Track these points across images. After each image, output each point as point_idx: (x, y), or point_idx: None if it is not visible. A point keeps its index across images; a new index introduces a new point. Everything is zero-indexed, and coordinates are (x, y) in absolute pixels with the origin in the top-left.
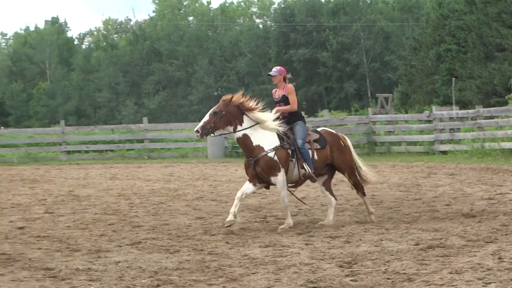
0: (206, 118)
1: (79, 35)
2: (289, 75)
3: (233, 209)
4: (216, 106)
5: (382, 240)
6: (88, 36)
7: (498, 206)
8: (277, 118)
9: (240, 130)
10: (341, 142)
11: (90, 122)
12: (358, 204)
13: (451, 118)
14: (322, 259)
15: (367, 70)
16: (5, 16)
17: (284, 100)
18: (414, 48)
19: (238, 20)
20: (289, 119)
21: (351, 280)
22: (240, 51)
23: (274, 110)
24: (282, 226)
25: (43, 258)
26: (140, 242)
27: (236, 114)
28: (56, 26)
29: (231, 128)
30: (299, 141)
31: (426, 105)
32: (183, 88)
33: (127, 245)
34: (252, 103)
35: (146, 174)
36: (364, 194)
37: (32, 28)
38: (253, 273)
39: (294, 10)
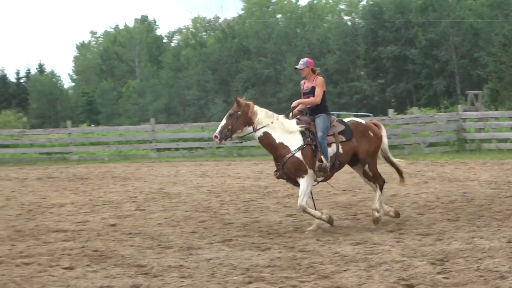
0: (223, 122)
1: (168, 33)
2: (318, 70)
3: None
4: (232, 109)
5: (473, 237)
6: (177, 34)
7: None
8: (299, 112)
9: (260, 129)
10: (370, 132)
11: (179, 119)
12: (449, 202)
13: None
14: (413, 257)
15: (456, 67)
16: (95, 15)
17: (313, 92)
18: (504, 44)
19: (327, 17)
20: (313, 111)
21: (443, 277)
22: (329, 48)
23: (294, 102)
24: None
25: (135, 255)
26: (231, 239)
27: (252, 114)
28: (145, 25)
29: (250, 128)
30: (319, 134)
31: None
32: (272, 85)
33: (218, 242)
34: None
35: (236, 171)
36: (380, 189)
37: (121, 27)
38: (344, 271)
39: (382, 7)
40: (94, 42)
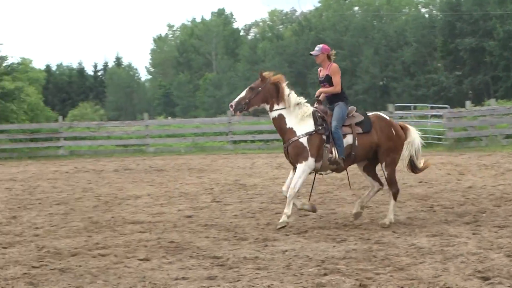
0: (243, 94)
1: (245, 26)
2: (333, 52)
3: (287, 210)
4: (254, 82)
5: None
6: (254, 27)
7: None
8: (318, 101)
9: (277, 110)
10: (392, 129)
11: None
12: None
13: None
14: (490, 249)
15: None
16: (172, 8)
17: (328, 80)
18: None
19: (404, 10)
20: (331, 100)
21: None
22: (406, 41)
23: (317, 92)
24: (280, 220)
25: (210, 246)
26: (306, 231)
27: (273, 93)
28: (222, 17)
29: (267, 106)
30: (334, 123)
31: None
32: (348, 78)
33: (294, 234)
34: (286, 86)
35: None
36: (394, 198)
37: (198, 20)
38: (420, 263)
39: None
40: (171, 35)
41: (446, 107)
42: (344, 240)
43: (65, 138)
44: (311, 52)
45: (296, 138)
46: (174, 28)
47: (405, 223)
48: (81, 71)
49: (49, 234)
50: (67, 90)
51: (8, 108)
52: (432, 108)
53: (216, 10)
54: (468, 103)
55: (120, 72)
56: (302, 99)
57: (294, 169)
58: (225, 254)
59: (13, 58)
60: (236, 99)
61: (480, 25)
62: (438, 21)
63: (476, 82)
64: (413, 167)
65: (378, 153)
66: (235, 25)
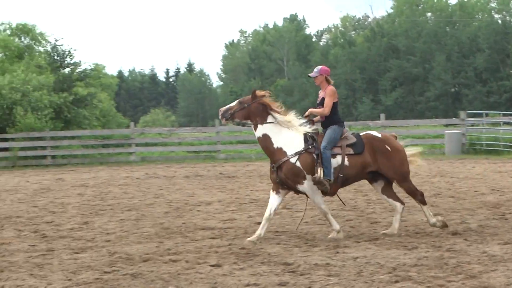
0: (232, 104)
1: (317, 32)
2: (332, 81)
3: (259, 231)
4: (244, 97)
5: None
6: (326, 33)
7: None
8: (307, 121)
9: (261, 130)
10: (387, 146)
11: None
12: None
13: None
14: None
15: None
16: (244, 14)
17: (323, 103)
18: None
19: (477, 16)
20: (325, 124)
21: None
22: (478, 47)
23: (307, 112)
24: (331, 235)
25: (281, 253)
26: (378, 238)
27: (258, 112)
28: (294, 23)
29: (251, 125)
30: (323, 144)
31: None
32: (420, 84)
33: (365, 241)
34: (277, 107)
35: None
36: (423, 203)
37: (271, 26)
38: (492, 270)
39: None
40: (243, 41)
41: None
42: (416, 248)
43: (137, 144)
44: (309, 74)
45: (286, 158)
46: (246, 34)
47: (476, 230)
48: (153, 77)
49: (120, 240)
50: (139, 96)
51: (80, 114)
52: (504, 115)
53: (288, 16)
54: None
55: (191, 78)
56: (293, 119)
57: (274, 190)
58: (296, 261)
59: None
60: (226, 107)
61: None
62: (511, 27)
63: None
64: None
65: (384, 174)
66: (307, 31)
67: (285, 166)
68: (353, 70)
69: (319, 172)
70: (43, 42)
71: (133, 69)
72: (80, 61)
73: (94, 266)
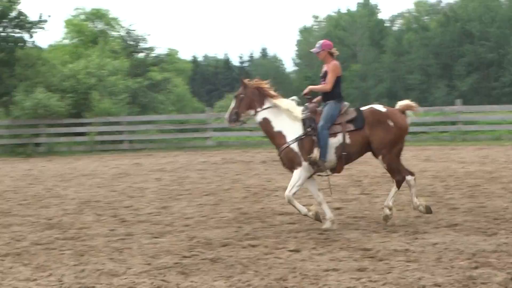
0: (232, 104)
1: (391, 17)
2: (335, 50)
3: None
4: (237, 91)
5: None
6: (399, 18)
7: None
8: (309, 99)
9: (260, 114)
10: (390, 121)
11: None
12: None
13: None
14: None
15: None
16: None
17: (326, 77)
18: None
19: None
20: (324, 98)
21: None
22: None
23: (306, 89)
24: (324, 226)
25: (360, 238)
26: (456, 224)
27: (255, 97)
28: (367, 8)
29: (252, 112)
30: (320, 123)
31: None
32: (495, 70)
33: (444, 227)
34: (271, 90)
35: (460, 156)
36: (398, 186)
37: (344, 11)
38: None
39: None
40: (316, 27)
41: None
42: (495, 234)
43: (213, 129)
44: (311, 50)
45: (286, 145)
46: (320, 20)
47: None
48: (226, 62)
49: (199, 225)
50: (213, 81)
51: (156, 99)
52: None
53: (361, 1)
54: None
55: (265, 63)
56: (291, 101)
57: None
58: (375, 246)
59: (160, 49)
60: (228, 111)
61: None
62: None
63: None
64: None
65: (372, 147)
66: (380, 16)
67: (284, 152)
68: (427, 55)
69: (315, 153)
70: (117, 27)
71: (207, 55)
72: (153, 46)
73: (174, 251)
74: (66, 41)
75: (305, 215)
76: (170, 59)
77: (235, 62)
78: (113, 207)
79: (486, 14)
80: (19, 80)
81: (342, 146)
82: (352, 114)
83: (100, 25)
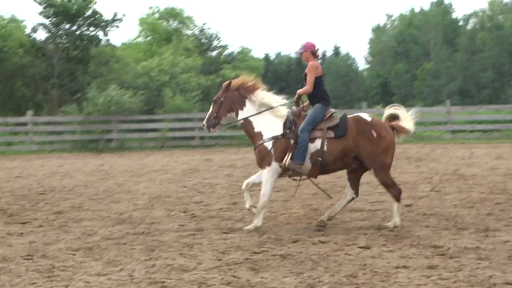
0: (210, 109)
1: (464, 16)
2: (318, 50)
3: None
4: (216, 95)
5: None
6: (473, 17)
7: None
8: (296, 103)
9: (242, 115)
10: (373, 132)
11: (474, 102)
12: None
13: None
14: None
15: None
16: None
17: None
18: None
19: None
20: (310, 101)
21: None
22: None
23: (296, 95)
24: (247, 227)
25: (430, 235)
26: None
27: (236, 99)
28: (441, 8)
29: (234, 115)
30: (301, 126)
31: None
32: None
33: None
34: (253, 83)
35: None
36: (397, 200)
37: (417, 10)
38: None
39: None
40: (389, 25)
41: None
42: None
43: None
44: (294, 51)
45: (261, 142)
46: (393, 18)
47: None
48: (299, 60)
49: (269, 221)
50: (286, 78)
51: None
52: None
53: (435, 0)
54: None
55: (338, 61)
56: (274, 101)
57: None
58: (445, 244)
59: (233, 47)
60: (206, 117)
61: None
62: None
63: None
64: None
65: (361, 159)
66: (454, 15)
67: (258, 149)
68: (501, 54)
69: (285, 160)
70: (191, 25)
71: (280, 53)
72: (227, 44)
73: (244, 246)
74: (140, 39)
75: (248, 209)
76: (242, 57)
77: None
78: (183, 203)
79: None
80: (93, 77)
81: (318, 153)
82: (335, 120)
83: (174, 24)
